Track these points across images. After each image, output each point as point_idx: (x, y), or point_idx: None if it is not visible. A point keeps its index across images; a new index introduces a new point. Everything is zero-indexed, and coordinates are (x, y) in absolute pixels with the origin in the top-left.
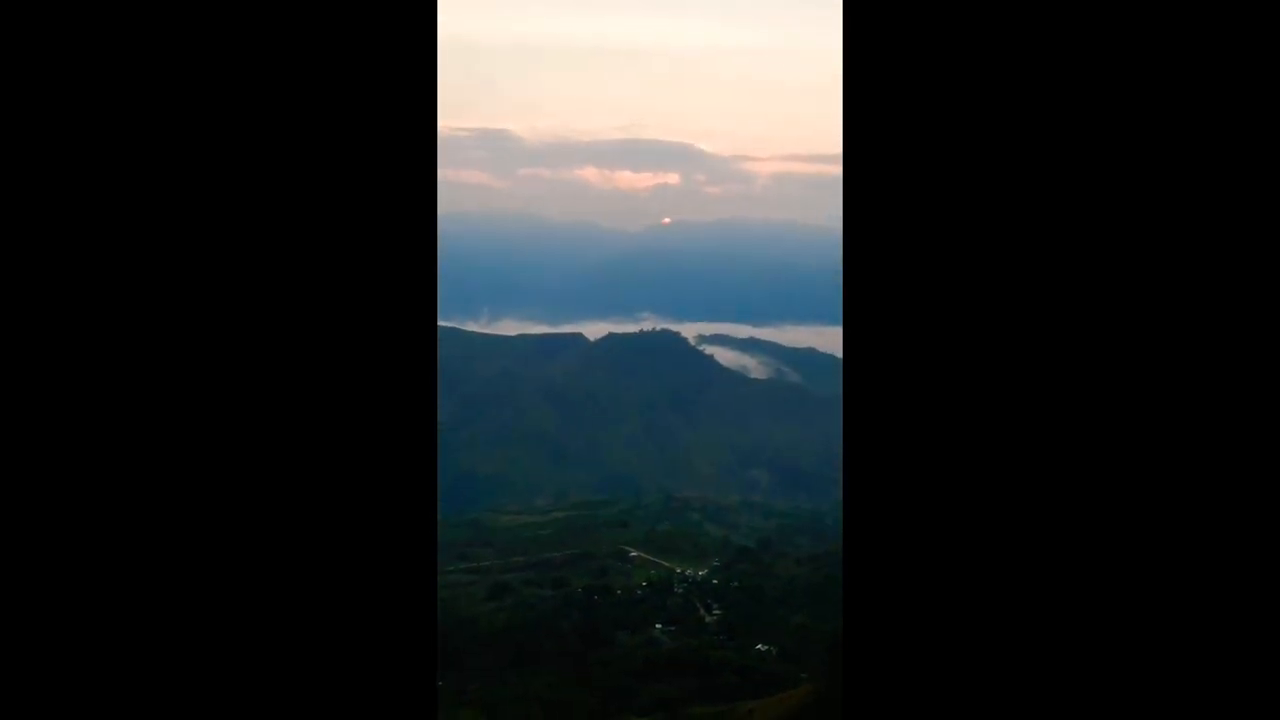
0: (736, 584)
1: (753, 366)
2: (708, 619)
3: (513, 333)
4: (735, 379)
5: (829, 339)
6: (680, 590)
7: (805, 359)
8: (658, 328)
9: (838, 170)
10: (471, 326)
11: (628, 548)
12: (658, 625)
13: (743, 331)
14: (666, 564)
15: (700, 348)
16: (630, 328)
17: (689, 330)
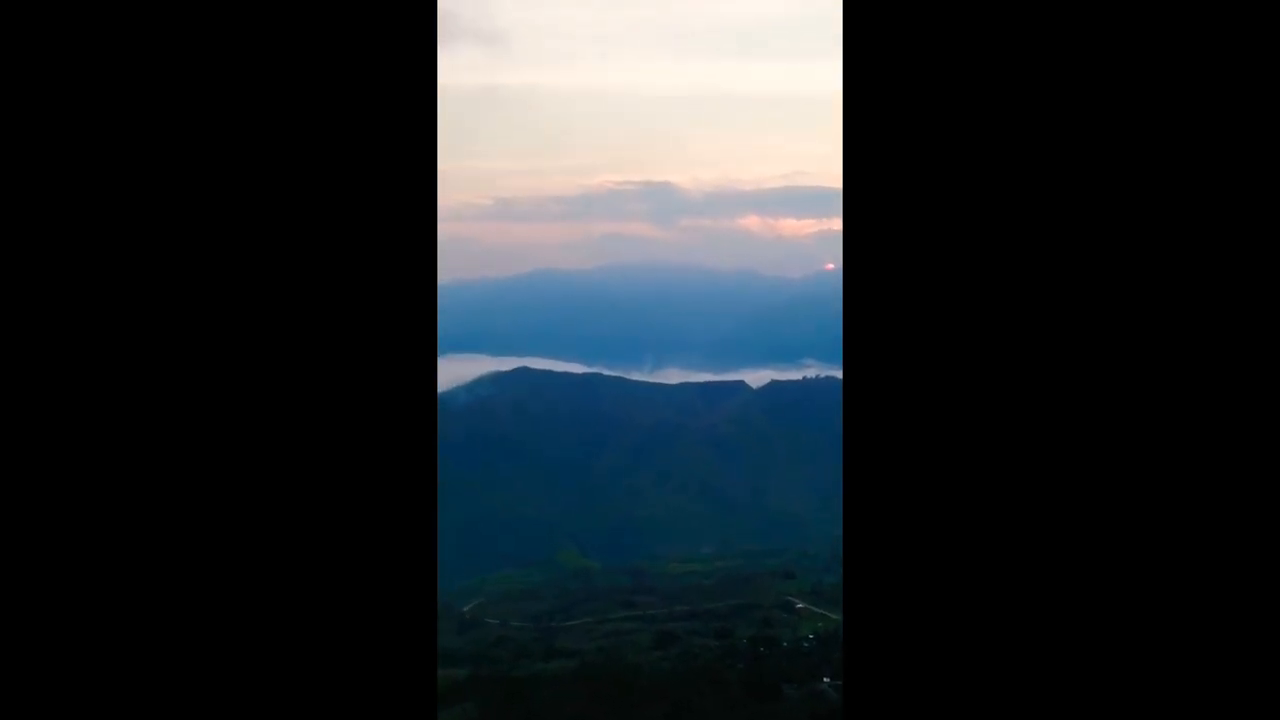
0: None
1: None
2: None
3: (676, 381)
4: None
5: None
6: None
7: None
8: (821, 374)
9: None
10: (635, 375)
11: (793, 598)
12: (825, 679)
13: None
14: (834, 616)
15: None
16: (793, 375)
17: None
